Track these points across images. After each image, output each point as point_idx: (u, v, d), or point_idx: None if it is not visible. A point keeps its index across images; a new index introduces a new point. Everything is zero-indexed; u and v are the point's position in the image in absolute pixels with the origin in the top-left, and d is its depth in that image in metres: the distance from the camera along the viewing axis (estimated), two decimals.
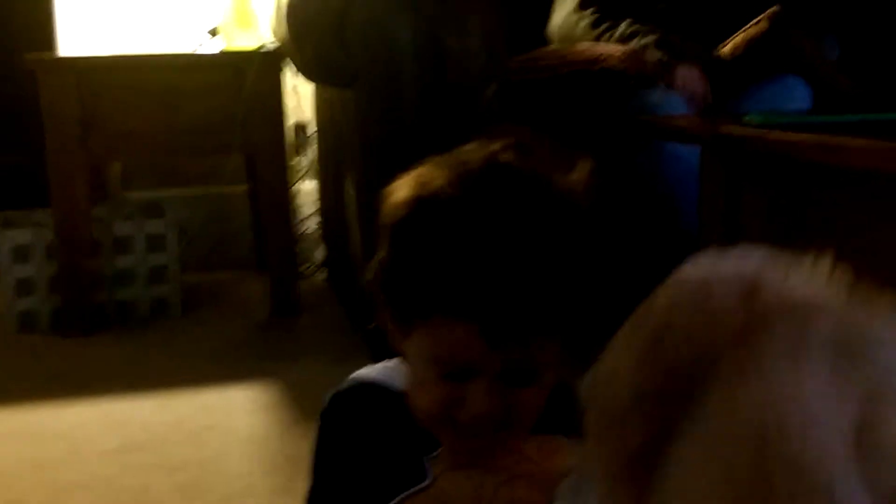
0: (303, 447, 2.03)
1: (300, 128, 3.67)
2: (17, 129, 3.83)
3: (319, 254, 3.68)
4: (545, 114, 2.63)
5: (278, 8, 2.87)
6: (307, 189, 3.75)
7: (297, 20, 2.63)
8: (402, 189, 1.02)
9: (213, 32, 3.28)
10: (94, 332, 2.95)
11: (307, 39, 2.62)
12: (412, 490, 1.04)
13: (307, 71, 2.78)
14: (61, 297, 2.98)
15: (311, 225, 3.73)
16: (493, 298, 0.92)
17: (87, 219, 2.99)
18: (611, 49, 2.63)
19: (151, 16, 3.60)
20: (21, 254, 3.01)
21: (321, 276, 3.59)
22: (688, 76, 2.62)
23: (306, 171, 3.71)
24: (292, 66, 3.06)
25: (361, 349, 2.67)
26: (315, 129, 3.58)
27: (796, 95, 2.74)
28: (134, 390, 2.46)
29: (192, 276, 3.40)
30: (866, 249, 1.47)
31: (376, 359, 2.92)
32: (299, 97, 3.57)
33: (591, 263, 1.01)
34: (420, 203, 0.98)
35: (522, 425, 1.01)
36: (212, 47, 3.21)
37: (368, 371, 1.14)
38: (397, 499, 1.04)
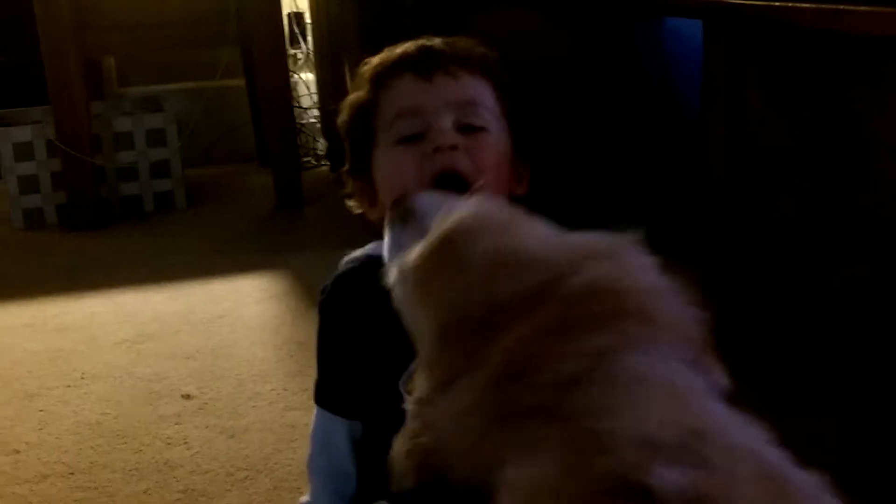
0: (312, 332, 2.07)
1: (296, 17, 3.63)
2: (12, 28, 3.80)
3: (320, 145, 3.68)
4: None
5: None
6: (306, 80, 3.73)
7: None
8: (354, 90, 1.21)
9: None
10: (100, 227, 2.97)
11: None
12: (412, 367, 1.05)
13: None
14: (66, 192, 2.99)
15: (311, 117, 3.72)
16: (420, 52, 1.14)
17: (86, 115, 2.98)
18: None
19: None
20: (23, 151, 3.01)
21: (323, 167, 3.59)
22: None
23: (304, 62, 3.68)
24: None
25: (367, 238, 2.69)
26: (310, 19, 3.54)
27: None
28: (144, 282, 2.49)
29: (194, 170, 3.41)
30: (867, 115, 1.48)
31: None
32: None
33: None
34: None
35: (485, 178, 1.09)
36: None
37: (360, 250, 1.20)
38: (409, 370, 1.06)
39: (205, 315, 2.26)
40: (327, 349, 1.18)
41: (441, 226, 0.86)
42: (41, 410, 1.83)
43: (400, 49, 1.17)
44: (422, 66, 1.12)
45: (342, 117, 1.21)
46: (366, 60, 1.21)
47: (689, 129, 2.44)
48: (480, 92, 1.14)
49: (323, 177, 3.48)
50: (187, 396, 1.85)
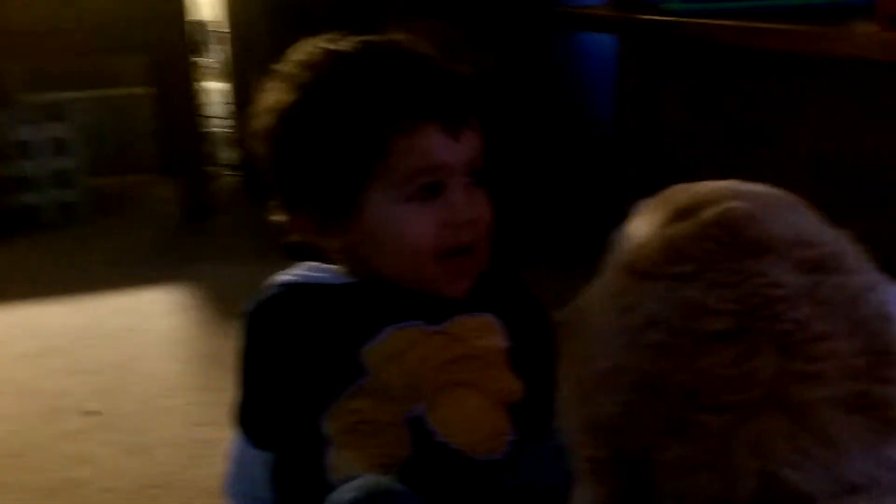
0: (223, 345, 2.05)
1: (201, 26, 3.58)
2: None
3: (227, 155, 3.63)
4: (461, 3, 2.61)
5: None
6: (212, 89, 3.67)
7: None
8: (275, 92, 1.07)
9: None
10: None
11: None
12: (353, 385, 1.03)
13: None
14: None
15: (218, 126, 3.66)
16: (444, 91, 1.03)
17: None
18: None
19: None
20: None
21: (230, 178, 3.54)
22: None
23: (212, 71, 3.62)
24: None
25: (278, 250, 2.67)
26: (214, 27, 3.50)
27: None
28: (47, 295, 2.42)
29: (97, 180, 3.33)
30: (779, 128, 1.52)
31: (293, 257, 2.91)
32: None
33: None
34: (334, 56, 1.05)
35: (487, 236, 1.06)
36: None
37: (288, 274, 1.13)
38: (339, 397, 1.03)
39: (111, 328, 2.20)
40: (248, 375, 1.13)
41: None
42: None
43: (409, 72, 1.04)
44: (451, 118, 1.02)
45: (280, 129, 1.06)
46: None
47: (605, 140, 2.47)
48: (482, 140, 1.08)
49: (230, 187, 3.43)
50: (91, 412, 1.80)
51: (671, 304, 0.65)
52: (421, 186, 1.02)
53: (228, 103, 3.54)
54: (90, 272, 2.59)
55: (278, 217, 1.11)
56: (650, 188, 1.91)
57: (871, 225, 1.36)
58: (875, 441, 0.62)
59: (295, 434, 1.07)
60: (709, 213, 0.69)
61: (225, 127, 3.61)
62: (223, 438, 1.65)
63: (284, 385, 1.07)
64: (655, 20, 1.58)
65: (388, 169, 1.01)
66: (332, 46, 1.06)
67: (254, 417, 1.12)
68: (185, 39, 3.00)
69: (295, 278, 1.12)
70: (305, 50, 1.07)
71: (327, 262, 1.12)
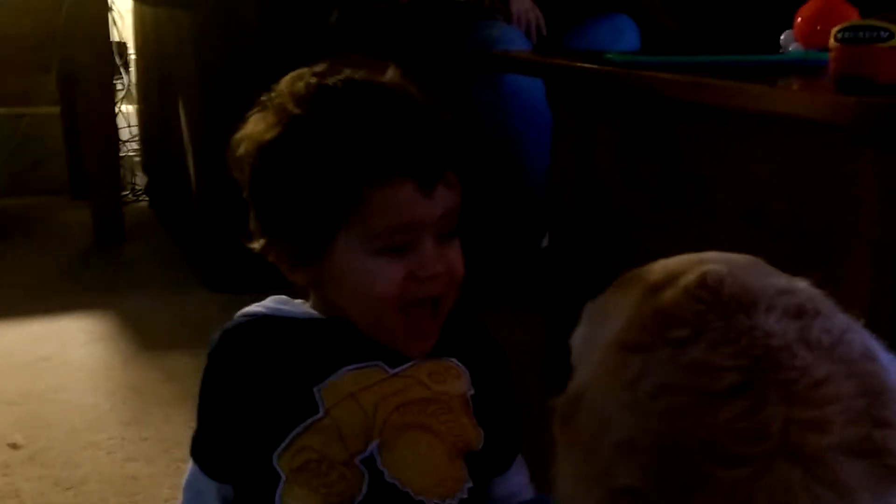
0: (149, 378, 2.02)
1: (118, 47, 3.52)
2: None
3: (138, 180, 3.57)
4: (386, 42, 2.64)
5: None
6: (126, 113, 3.61)
7: None
8: (261, 121, 1.07)
9: None
10: None
11: None
12: (306, 423, 1.03)
13: None
14: None
15: (130, 150, 3.61)
16: (421, 146, 1.02)
17: None
18: None
19: None
20: None
21: (142, 202, 3.49)
22: (522, 8, 2.68)
23: (125, 94, 3.57)
24: None
25: (194, 278, 2.64)
26: (133, 50, 3.45)
27: (626, 34, 2.85)
28: None
29: (2, 200, 3.25)
30: (713, 179, 1.57)
31: (210, 286, 2.88)
32: (116, 15, 3.42)
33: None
34: (320, 95, 1.04)
35: (455, 289, 1.07)
36: None
37: (257, 306, 1.14)
38: (292, 434, 1.03)
39: (26, 358, 2.14)
40: (205, 405, 1.13)
41: None
42: None
43: (375, 122, 1.03)
44: (426, 176, 1.02)
45: (259, 163, 1.06)
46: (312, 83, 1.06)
47: (530, 183, 2.52)
48: (459, 195, 1.07)
49: (141, 212, 3.38)
50: (14, 446, 1.74)
51: (678, 369, 0.67)
52: (391, 243, 1.02)
53: (140, 126, 3.49)
54: (1, 297, 2.51)
55: (253, 243, 1.11)
56: (585, 235, 1.94)
57: (806, 274, 1.41)
58: (881, 489, 0.65)
59: (248, 468, 1.07)
60: (689, 279, 0.71)
61: (135, 150, 3.56)
62: (154, 475, 1.65)
63: (238, 417, 1.07)
64: (601, 71, 1.62)
65: (359, 219, 1.02)
66: (321, 82, 1.06)
67: (207, 448, 1.12)
68: (107, 61, 2.94)
69: (261, 310, 1.12)
70: (295, 81, 1.07)
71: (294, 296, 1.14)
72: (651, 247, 1.72)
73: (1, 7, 2.85)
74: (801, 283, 0.74)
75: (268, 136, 1.05)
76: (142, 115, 3.42)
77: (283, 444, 1.03)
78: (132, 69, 3.52)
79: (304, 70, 1.08)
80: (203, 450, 1.13)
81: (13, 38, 2.88)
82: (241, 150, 1.08)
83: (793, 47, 1.66)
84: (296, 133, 1.04)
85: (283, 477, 1.03)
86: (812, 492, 0.64)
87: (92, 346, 2.22)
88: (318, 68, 1.08)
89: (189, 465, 1.15)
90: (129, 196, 3.52)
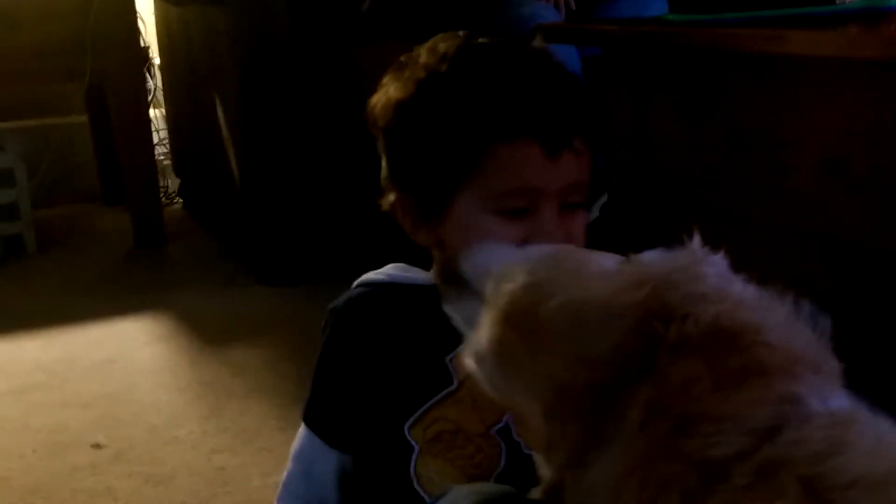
0: (216, 374, 2.03)
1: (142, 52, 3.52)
2: None
3: (169, 183, 3.57)
4: (418, 27, 2.63)
5: None
6: (150, 117, 3.61)
7: None
8: (397, 79, 1.06)
9: None
10: None
11: None
12: (439, 395, 1.03)
13: None
14: None
15: (158, 154, 3.60)
16: (548, 109, 1.00)
17: None
18: None
19: None
20: None
21: (175, 205, 3.48)
22: None
23: (151, 99, 3.56)
24: None
25: (239, 273, 2.64)
26: (159, 54, 3.44)
27: (653, 5, 2.84)
28: (12, 330, 2.35)
29: (38, 211, 3.24)
30: (766, 131, 1.57)
31: (264, 280, 2.87)
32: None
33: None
34: (460, 53, 1.03)
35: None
36: None
37: (376, 273, 1.12)
38: (424, 406, 1.03)
39: (91, 361, 2.15)
40: (328, 373, 1.12)
41: (502, 292, 0.80)
42: None
43: (510, 80, 1.02)
44: (553, 138, 1.00)
45: (393, 119, 1.05)
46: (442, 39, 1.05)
47: None
48: (588, 166, 1.05)
49: (176, 213, 3.38)
50: (98, 446, 1.76)
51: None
52: (511, 205, 1.00)
53: (168, 130, 3.49)
54: (48, 305, 2.52)
55: (382, 200, 1.09)
56: (646, 203, 1.93)
57: (885, 222, 1.42)
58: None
59: (376, 438, 1.07)
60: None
61: (164, 154, 3.55)
62: (241, 465, 1.65)
63: (365, 387, 1.07)
64: (668, 32, 1.62)
65: (482, 176, 1.01)
66: (463, 43, 1.05)
67: (328, 418, 1.12)
68: (138, 67, 2.94)
69: (383, 277, 1.11)
70: (438, 42, 1.05)
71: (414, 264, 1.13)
72: (717, 205, 1.73)
73: (26, 19, 2.84)
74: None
75: (402, 91, 1.04)
76: (170, 118, 3.42)
77: (415, 415, 1.03)
78: (156, 74, 3.51)
79: (449, 33, 1.07)
80: (323, 419, 1.12)
81: (39, 48, 2.88)
82: (378, 110, 1.06)
83: None
84: (429, 87, 1.03)
85: (417, 448, 1.02)
86: None
87: (153, 346, 2.23)
88: (462, 33, 1.08)
89: (300, 436, 1.14)
90: (163, 199, 3.51)
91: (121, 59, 2.89)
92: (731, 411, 0.67)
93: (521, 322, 0.78)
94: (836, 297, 1.50)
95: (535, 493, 0.80)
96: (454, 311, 0.90)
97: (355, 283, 1.13)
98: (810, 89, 1.49)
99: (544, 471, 0.79)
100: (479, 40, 1.06)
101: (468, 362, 0.83)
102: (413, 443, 1.03)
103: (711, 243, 0.80)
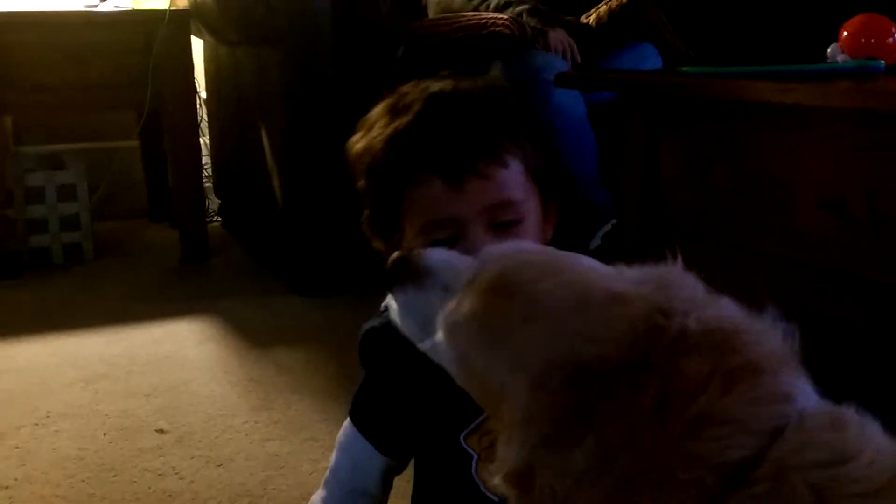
0: (263, 372, 2.04)
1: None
2: None
3: (210, 203, 3.57)
4: (462, 65, 2.66)
5: None
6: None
7: None
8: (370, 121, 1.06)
9: None
10: (11, 277, 2.78)
11: (233, 1, 2.54)
12: (476, 421, 1.02)
13: (229, 31, 2.69)
14: None
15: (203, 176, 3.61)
16: (444, 144, 0.97)
17: (0, 169, 2.80)
18: (495, 16, 2.69)
19: None
20: None
21: (216, 223, 3.49)
22: (558, 38, 2.71)
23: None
24: (197, 27, 2.96)
25: (277, 285, 2.65)
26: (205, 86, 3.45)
27: (649, 60, 2.89)
28: (78, 327, 2.35)
29: (95, 224, 3.24)
30: (762, 175, 1.59)
31: (298, 290, 2.86)
32: None
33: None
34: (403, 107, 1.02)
35: None
36: (120, 5, 3.03)
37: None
38: (477, 420, 1.01)
39: (150, 356, 2.15)
40: (378, 390, 1.11)
41: (482, 274, 0.76)
42: (17, 448, 1.70)
43: (416, 125, 0.99)
44: (451, 171, 0.96)
45: (363, 161, 1.05)
46: (397, 92, 1.05)
47: (573, 184, 2.54)
48: (513, 183, 0.99)
49: (215, 231, 3.38)
50: (161, 431, 1.76)
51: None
52: (437, 236, 0.97)
53: (210, 156, 3.50)
54: (113, 307, 2.52)
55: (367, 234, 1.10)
56: (653, 235, 1.95)
57: (872, 249, 1.43)
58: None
59: (433, 448, 1.07)
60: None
61: (207, 177, 3.56)
62: (292, 452, 1.66)
63: (416, 405, 1.06)
64: (688, 82, 1.64)
65: (407, 216, 1.01)
66: (400, 98, 1.04)
67: (380, 426, 1.12)
68: (193, 98, 2.96)
69: None
70: (394, 95, 1.05)
71: None
72: (720, 239, 1.75)
73: (96, 56, 2.85)
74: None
75: (361, 142, 1.05)
76: (213, 145, 3.43)
77: (470, 427, 1.02)
78: (201, 106, 3.52)
79: (409, 84, 1.06)
80: (374, 427, 1.12)
81: (105, 82, 2.89)
82: (351, 157, 1.08)
83: (840, 58, 1.69)
84: (373, 142, 1.04)
85: (475, 455, 1.02)
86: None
87: (204, 345, 2.23)
88: (426, 80, 1.06)
89: (346, 431, 1.14)
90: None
91: (177, 92, 2.91)
92: (740, 412, 0.63)
93: (513, 293, 0.72)
94: (830, 321, 1.51)
95: (494, 481, 0.71)
96: (404, 300, 0.84)
97: (382, 307, 1.07)
98: (808, 136, 1.52)
99: (506, 455, 0.70)
100: (417, 91, 1.03)
101: (439, 335, 0.78)
102: (471, 451, 1.02)
103: (714, 272, 0.77)
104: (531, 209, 1.02)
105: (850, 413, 0.64)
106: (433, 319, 0.79)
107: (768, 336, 0.70)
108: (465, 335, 0.75)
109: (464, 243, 0.96)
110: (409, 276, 0.82)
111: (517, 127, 1.03)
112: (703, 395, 0.63)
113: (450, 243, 0.96)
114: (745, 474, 0.60)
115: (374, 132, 1.03)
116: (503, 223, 0.98)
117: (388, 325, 1.02)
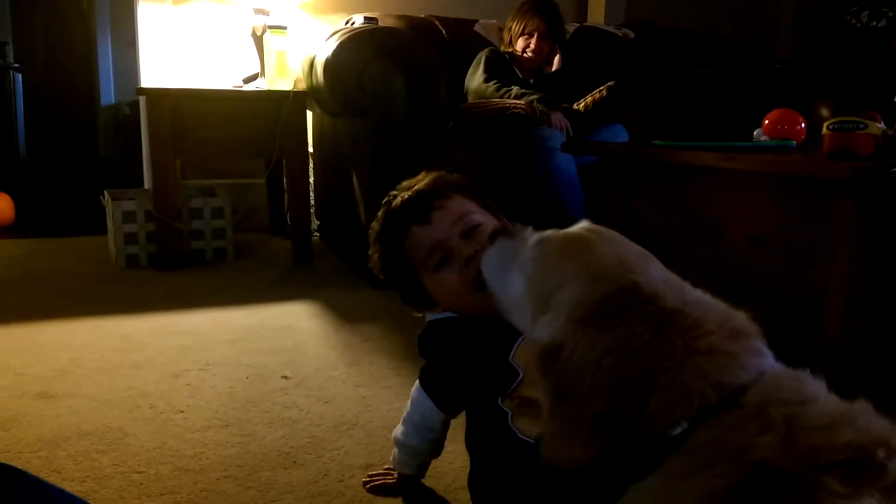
0: (353, 340, 2.05)
1: None
2: (116, 137, 3.59)
3: (313, 223, 3.59)
4: (482, 140, 2.68)
5: (311, 65, 2.80)
6: None
7: (331, 74, 2.58)
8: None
9: (249, 79, 3.16)
10: (176, 269, 2.82)
11: (338, 86, 2.57)
12: (516, 382, 1.00)
13: (334, 106, 2.72)
14: (157, 245, 2.83)
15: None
16: (409, 206, 1.04)
17: (174, 195, 2.84)
18: (515, 102, 2.71)
19: (204, 57, 3.43)
20: (128, 217, 2.84)
21: (315, 236, 3.50)
22: (558, 118, 2.72)
23: None
24: (313, 103, 2.99)
25: (361, 282, 2.66)
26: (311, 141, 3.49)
27: (619, 136, 2.89)
28: (225, 305, 2.37)
29: (234, 234, 3.26)
30: (706, 217, 1.58)
31: (374, 286, 2.87)
32: None
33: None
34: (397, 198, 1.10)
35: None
36: (258, 86, 3.07)
37: (435, 313, 1.10)
38: (510, 388, 0.99)
39: (275, 326, 2.17)
40: (442, 363, 1.09)
41: (559, 234, 0.77)
42: (187, 385, 1.72)
43: (395, 205, 1.07)
44: (418, 216, 1.03)
45: (380, 258, 1.10)
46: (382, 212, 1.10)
47: (566, 220, 2.53)
48: (463, 204, 1.05)
49: (315, 243, 3.40)
50: (285, 377, 1.77)
51: (615, 339, 0.65)
52: (436, 260, 1.02)
53: (314, 189, 3.52)
54: (243, 292, 2.54)
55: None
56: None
57: (785, 270, 1.43)
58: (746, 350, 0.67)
59: (480, 406, 1.05)
60: (615, 283, 0.69)
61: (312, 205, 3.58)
62: (376, 395, 1.66)
63: (466, 377, 1.04)
64: (658, 149, 1.65)
65: (415, 261, 1.04)
66: (390, 205, 1.09)
67: (441, 391, 1.11)
68: (301, 150, 2.98)
69: (441, 315, 1.09)
70: (416, 181, 1.10)
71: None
72: (678, 261, 1.75)
73: (240, 119, 2.89)
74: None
75: (383, 255, 1.09)
76: (316, 183, 3.45)
77: (505, 394, 1.00)
78: (310, 157, 3.55)
79: (394, 192, 1.11)
80: (437, 391, 1.11)
81: (246, 136, 2.92)
82: (381, 260, 1.11)
83: (763, 139, 1.70)
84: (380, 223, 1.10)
85: (510, 413, 1.00)
86: (714, 360, 0.62)
87: (312, 320, 2.25)
88: (406, 183, 1.11)
89: (417, 392, 1.13)
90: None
91: (294, 147, 2.94)
92: (740, 354, 0.62)
93: (580, 242, 0.74)
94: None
95: (531, 351, 0.66)
96: (497, 251, 0.85)
97: (429, 318, 1.10)
98: (740, 191, 1.52)
99: (542, 335, 0.67)
100: (399, 196, 1.08)
101: (519, 265, 0.76)
102: (506, 410, 1.01)
103: None
104: (488, 217, 1.06)
105: (804, 372, 0.64)
106: (514, 261, 0.79)
107: (733, 313, 0.69)
108: (543, 253, 0.75)
109: (455, 256, 0.99)
110: (505, 234, 0.86)
111: (457, 186, 1.09)
112: (715, 336, 0.63)
113: (445, 259, 1.00)
114: (735, 399, 0.59)
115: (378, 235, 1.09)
116: (469, 230, 1.02)
117: (440, 322, 1.07)
